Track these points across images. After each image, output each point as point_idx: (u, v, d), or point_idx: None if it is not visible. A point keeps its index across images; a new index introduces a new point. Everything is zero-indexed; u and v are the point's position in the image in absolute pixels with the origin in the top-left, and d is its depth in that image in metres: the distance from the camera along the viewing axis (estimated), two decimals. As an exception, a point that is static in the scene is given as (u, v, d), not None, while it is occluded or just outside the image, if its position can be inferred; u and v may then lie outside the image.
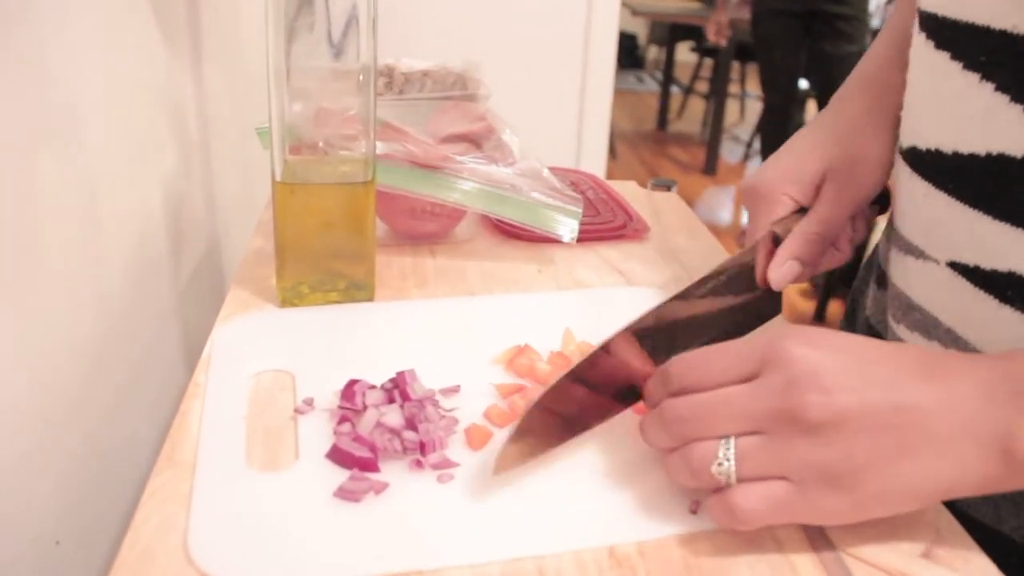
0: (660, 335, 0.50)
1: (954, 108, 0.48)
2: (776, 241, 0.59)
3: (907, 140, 0.54)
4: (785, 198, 0.60)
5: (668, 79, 5.30)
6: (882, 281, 0.62)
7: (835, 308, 2.81)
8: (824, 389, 0.39)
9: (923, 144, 0.51)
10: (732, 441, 0.41)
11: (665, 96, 5.28)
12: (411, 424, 0.49)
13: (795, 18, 3.16)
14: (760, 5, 3.29)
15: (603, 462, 0.48)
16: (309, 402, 0.52)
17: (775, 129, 3.46)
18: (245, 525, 0.42)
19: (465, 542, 0.42)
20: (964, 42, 0.47)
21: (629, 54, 6.41)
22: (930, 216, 0.51)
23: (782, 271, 0.58)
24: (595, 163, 2.06)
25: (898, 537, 0.43)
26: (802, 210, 0.61)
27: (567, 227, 0.73)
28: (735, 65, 4.80)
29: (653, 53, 6.73)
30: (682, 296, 0.52)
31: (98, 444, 0.60)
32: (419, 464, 0.47)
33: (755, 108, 4.06)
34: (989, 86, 0.45)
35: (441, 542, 0.42)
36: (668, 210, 0.89)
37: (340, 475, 0.46)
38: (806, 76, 3.38)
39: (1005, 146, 0.45)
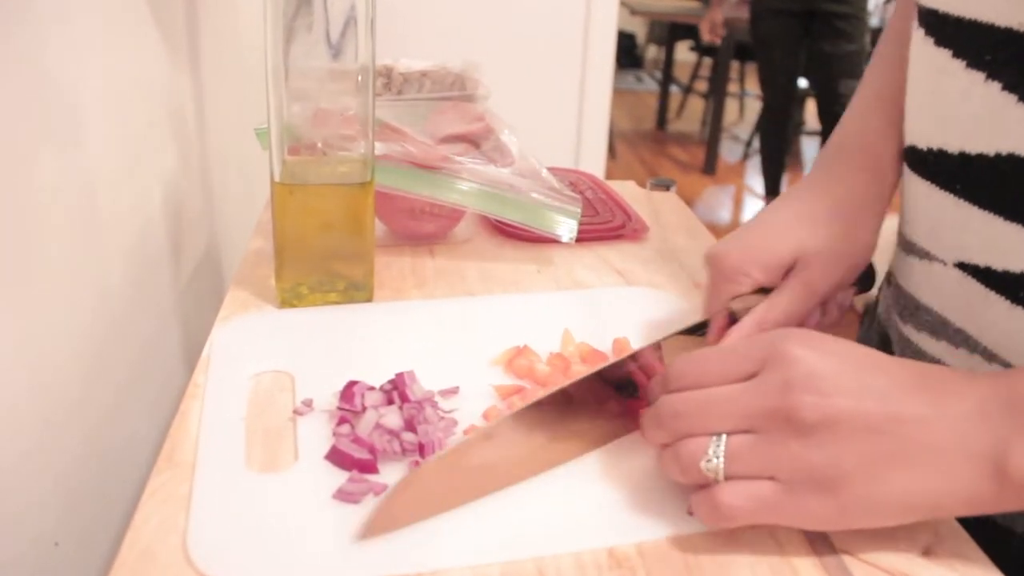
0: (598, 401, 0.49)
1: (958, 108, 0.48)
2: (733, 319, 0.55)
3: (907, 140, 0.53)
4: (746, 279, 0.55)
5: (667, 78, 5.30)
6: (891, 278, 0.62)
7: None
8: (820, 391, 0.39)
9: (924, 144, 0.51)
10: (723, 438, 0.41)
11: (664, 95, 5.28)
12: (410, 425, 0.49)
13: (794, 17, 3.16)
14: (758, 4, 3.29)
15: (603, 463, 0.48)
16: (308, 403, 0.52)
17: (774, 128, 3.46)
18: (244, 526, 0.42)
19: (465, 542, 0.42)
20: (966, 40, 0.46)
21: (628, 53, 6.41)
22: (935, 217, 0.50)
23: None
24: (594, 163, 2.06)
25: (898, 537, 0.43)
26: (764, 289, 0.56)
27: (566, 227, 0.73)
28: (734, 64, 4.80)
29: (652, 52, 6.73)
30: (630, 357, 0.50)
31: (98, 444, 0.60)
32: (418, 465, 0.47)
33: (754, 107, 4.07)
34: (995, 85, 0.45)
35: (441, 543, 0.42)
36: (667, 210, 0.89)
37: (339, 476, 0.46)
38: (805, 75, 3.38)
39: (1015, 146, 0.45)
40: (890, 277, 0.62)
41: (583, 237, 0.77)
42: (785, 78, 3.37)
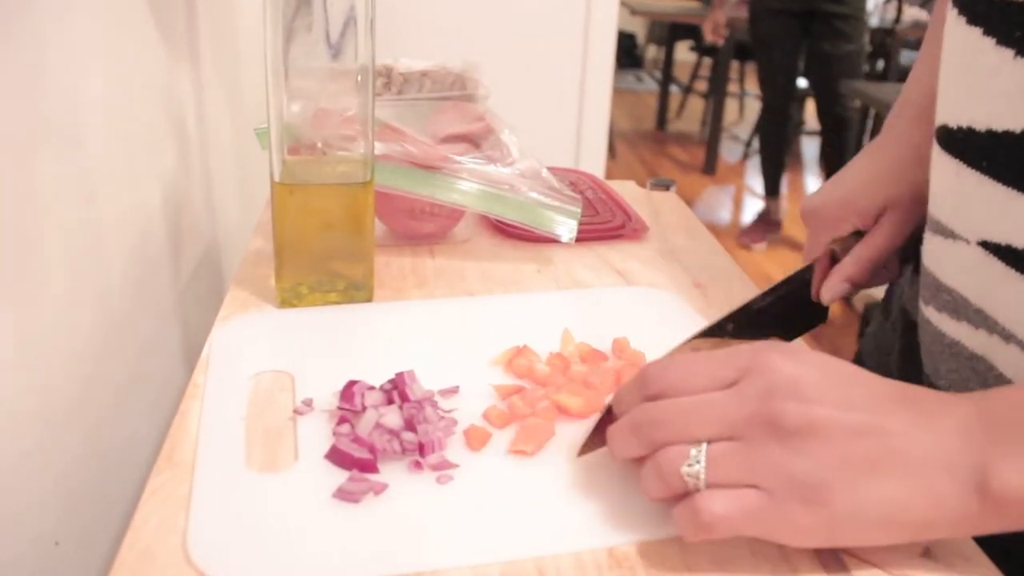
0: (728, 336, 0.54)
1: (987, 85, 0.48)
2: (834, 259, 0.63)
3: (938, 119, 0.53)
4: (846, 225, 0.64)
5: (667, 78, 5.30)
6: (918, 267, 0.63)
7: (835, 308, 2.80)
8: (802, 398, 0.39)
9: (954, 122, 0.51)
10: (704, 445, 0.40)
11: (664, 95, 5.28)
12: (410, 425, 0.49)
13: (793, 17, 3.16)
14: (758, 4, 3.29)
15: (603, 463, 0.48)
16: (308, 403, 0.52)
17: (774, 128, 3.46)
18: (244, 525, 0.42)
19: (465, 543, 0.42)
20: (998, 17, 0.47)
21: (628, 53, 6.41)
22: (961, 195, 0.51)
23: (835, 289, 0.62)
24: (594, 163, 2.06)
25: (897, 537, 0.43)
26: (858, 232, 0.64)
27: (566, 227, 0.73)
28: (734, 64, 4.80)
29: (652, 52, 6.73)
30: (748, 304, 0.56)
31: (98, 444, 0.60)
32: (418, 465, 0.47)
33: (754, 107, 4.07)
34: None
35: (440, 543, 0.42)
36: (667, 210, 0.89)
37: (339, 476, 0.46)
38: (805, 75, 3.38)
39: None
40: (916, 265, 0.63)
41: (583, 237, 0.77)
42: (784, 78, 3.37)
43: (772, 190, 3.52)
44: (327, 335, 0.60)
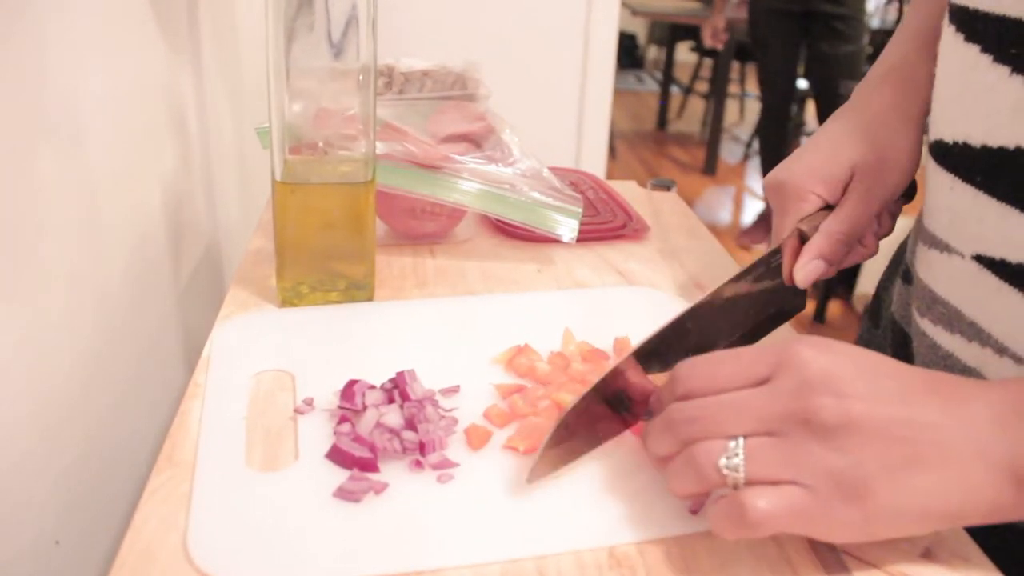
0: (691, 335, 0.51)
1: (984, 101, 0.48)
2: (803, 239, 0.59)
3: (934, 133, 0.54)
4: (812, 196, 0.59)
5: (668, 79, 5.30)
6: (907, 277, 0.62)
7: (834, 308, 2.81)
8: (838, 393, 0.38)
9: (950, 137, 0.51)
10: (741, 440, 0.40)
11: (665, 96, 5.28)
12: (411, 424, 0.49)
13: (792, 18, 3.16)
14: (757, 5, 3.29)
15: (603, 462, 0.48)
16: (309, 402, 0.52)
17: (774, 129, 3.46)
18: (245, 525, 0.42)
19: (465, 542, 0.42)
20: (995, 35, 0.47)
21: (629, 54, 6.41)
22: (956, 209, 0.51)
23: (808, 269, 0.58)
24: (595, 163, 2.06)
25: (898, 537, 0.43)
26: (828, 207, 0.60)
27: (567, 227, 0.73)
28: (735, 65, 4.80)
29: (653, 53, 6.73)
30: (714, 295, 0.53)
31: (98, 444, 0.60)
32: (419, 464, 0.47)
33: (755, 108, 4.07)
34: (1020, 79, 0.45)
35: (441, 542, 0.42)
36: (668, 210, 0.89)
37: (340, 475, 0.46)
38: (805, 76, 3.38)
39: None
40: (906, 274, 0.62)
41: (584, 237, 0.77)
42: (784, 79, 3.37)
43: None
44: (328, 334, 0.60)
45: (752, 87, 4.70)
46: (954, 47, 0.51)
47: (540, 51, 1.96)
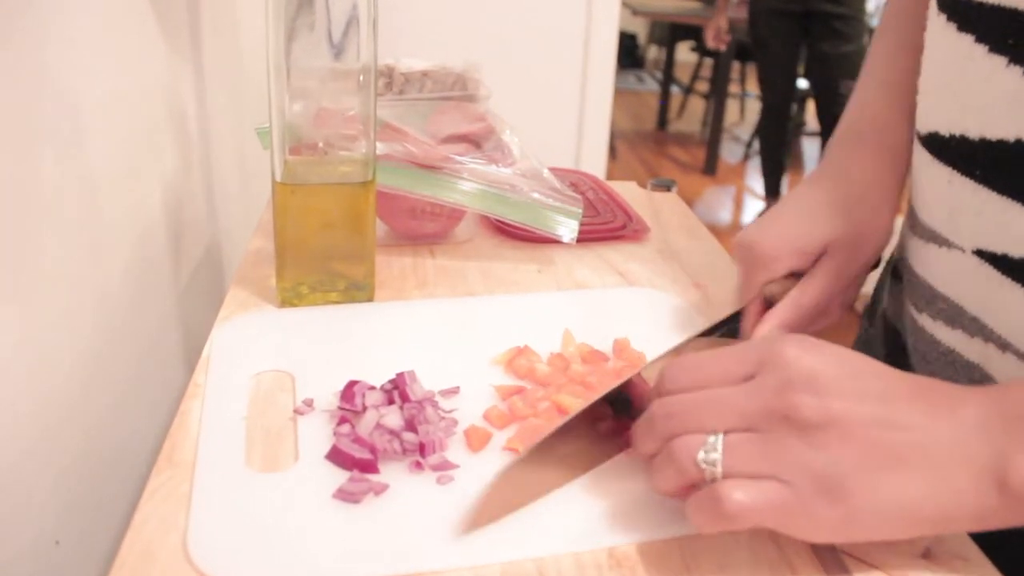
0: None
1: (979, 93, 0.48)
2: (768, 303, 0.59)
3: (926, 126, 0.53)
4: (782, 264, 0.59)
5: (668, 79, 5.30)
6: (896, 274, 0.62)
7: (835, 308, 2.80)
8: (819, 391, 0.38)
9: (945, 130, 0.50)
10: (721, 435, 0.40)
11: (665, 96, 5.28)
12: (411, 425, 0.49)
13: (792, 18, 3.16)
14: (757, 5, 3.29)
15: (603, 464, 0.48)
16: (309, 403, 0.52)
17: (774, 129, 3.46)
18: (245, 525, 0.42)
19: (465, 543, 0.42)
20: (989, 24, 0.46)
21: (629, 54, 6.40)
22: (955, 203, 0.50)
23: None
24: (595, 163, 2.06)
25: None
26: (795, 273, 0.59)
27: (567, 227, 0.73)
28: (735, 65, 4.80)
29: (653, 53, 6.73)
30: (677, 350, 0.52)
31: (98, 444, 0.60)
32: (419, 465, 0.47)
33: (755, 108, 4.06)
34: (1017, 70, 0.45)
35: (441, 543, 0.42)
36: (668, 210, 0.89)
37: (340, 476, 0.46)
38: (805, 76, 3.38)
39: None
40: (896, 271, 0.62)
41: (584, 237, 0.77)
42: (784, 79, 3.37)
43: (773, 191, 3.51)
44: (328, 335, 0.60)
45: (752, 87, 4.70)
46: (944, 37, 0.50)
47: (540, 51, 1.96)
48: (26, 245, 0.50)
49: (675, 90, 5.41)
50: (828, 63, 3.09)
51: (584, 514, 0.44)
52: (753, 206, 3.93)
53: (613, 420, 0.48)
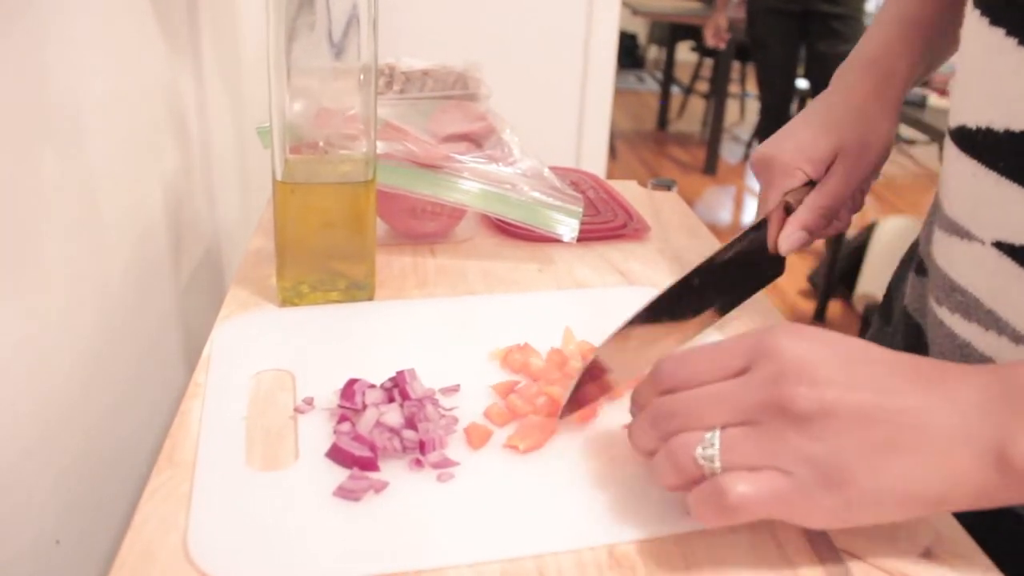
0: (694, 293, 0.58)
1: (1008, 85, 0.48)
2: (788, 210, 0.65)
3: (956, 119, 0.53)
4: (799, 172, 0.66)
5: (668, 79, 5.30)
6: (921, 269, 0.62)
7: (835, 308, 2.81)
8: (813, 381, 0.38)
9: (973, 123, 0.51)
10: (718, 430, 0.40)
11: (665, 96, 5.28)
12: (411, 423, 0.49)
13: (790, 17, 3.16)
14: (755, 5, 3.29)
15: (603, 463, 0.48)
16: (309, 401, 0.52)
17: (774, 129, 3.44)
18: (245, 525, 0.42)
19: (465, 541, 0.42)
20: (1020, 18, 0.47)
21: (629, 54, 6.40)
22: (978, 195, 0.51)
23: (792, 239, 0.65)
24: (595, 163, 2.06)
25: (898, 537, 0.43)
26: (810, 183, 0.66)
27: (567, 227, 0.73)
28: (735, 65, 4.80)
29: (653, 53, 6.73)
30: (710, 259, 0.59)
31: (98, 444, 0.60)
32: (419, 463, 0.47)
33: (755, 108, 4.06)
34: None
35: (441, 541, 0.42)
36: (668, 210, 0.89)
37: (340, 474, 0.46)
38: (805, 76, 3.37)
39: None
40: (920, 266, 0.63)
41: (584, 236, 0.77)
42: (783, 79, 3.37)
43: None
44: (328, 334, 0.60)
45: (752, 87, 4.70)
46: (978, 32, 0.51)
47: (540, 51, 1.96)
48: (26, 245, 0.50)
49: (675, 90, 5.41)
50: (827, 63, 3.08)
51: (584, 512, 0.44)
52: (753, 206, 3.93)
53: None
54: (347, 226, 0.63)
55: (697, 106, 5.46)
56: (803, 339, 0.40)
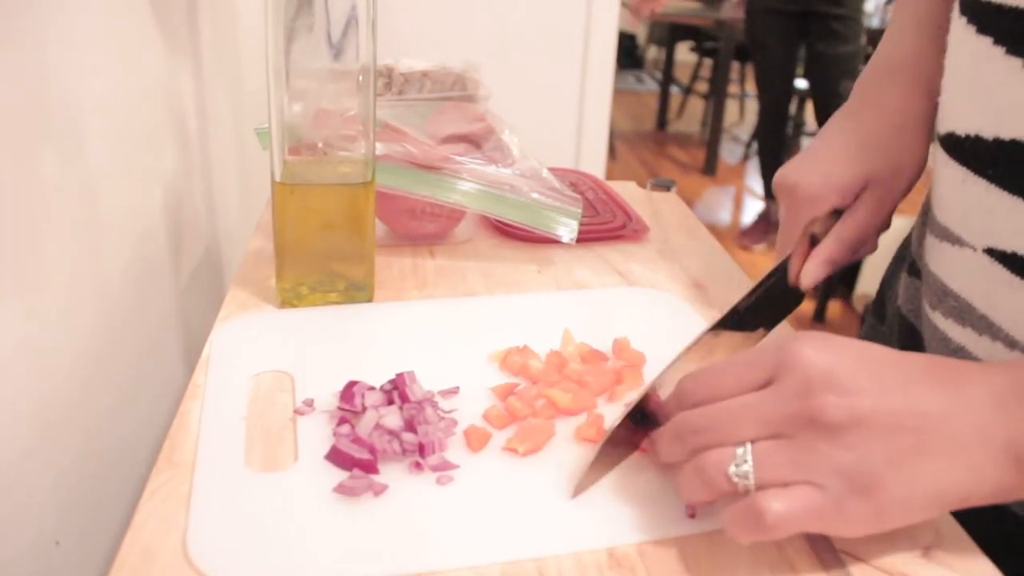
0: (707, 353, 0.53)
1: (996, 94, 0.48)
2: (813, 241, 0.61)
3: (945, 126, 0.54)
4: (825, 202, 0.61)
5: (668, 79, 5.30)
6: (914, 270, 0.62)
7: (835, 308, 2.81)
8: (842, 390, 0.38)
9: (962, 130, 0.51)
10: (749, 445, 0.40)
11: (664, 96, 5.28)
12: (410, 426, 0.49)
13: (789, 18, 3.16)
14: (754, 5, 3.29)
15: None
16: (309, 403, 0.52)
17: (772, 129, 3.45)
18: (244, 525, 0.42)
19: (465, 543, 0.42)
20: (1007, 27, 0.47)
21: (629, 54, 6.40)
22: (968, 202, 0.51)
23: (815, 273, 0.60)
24: (594, 163, 2.06)
25: (898, 537, 0.43)
26: (836, 211, 0.62)
27: (567, 227, 0.73)
28: (735, 65, 4.80)
29: (652, 53, 6.72)
30: (736, 307, 0.55)
31: (98, 444, 0.60)
32: (418, 466, 0.47)
33: (755, 108, 4.06)
34: None
35: (441, 543, 0.42)
36: (667, 210, 0.89)
37: (339, 476, 0.46)
38: (804, 76, 3.37)
39: None
40: (912, 267, 0.63)
41: (583, 237, 0.77)
42: (782, 79, 3.37)
43: (772, 191, 3.50)
44: (327, 335, 0.60)
45: (752, 87, 4.70)
46: (965, 39, 0.51)
47: (540, 51, 1.96)
48: (26, 245, 0.50)
49: (675, 90, 5.41)
50: (826, 63, 3.09)
51: (584, 514, 0.44)
52: (753, 206, 3.93)
53: (626, 428, 0.48)
54: (346, 227, 0.63)
55: (696, 106, 5.46)
56: (826, 348, 0.40)
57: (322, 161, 0.62)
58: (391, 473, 0.46)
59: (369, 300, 0.66)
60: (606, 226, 0.81)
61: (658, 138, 5.10)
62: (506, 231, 0.79)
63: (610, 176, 2.09)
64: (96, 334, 0.60)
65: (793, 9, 3.12)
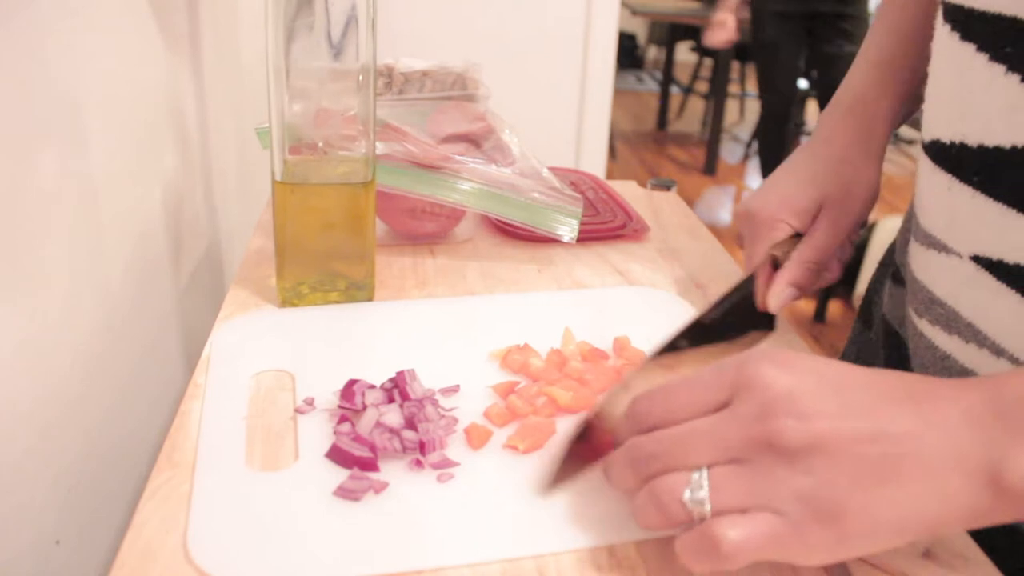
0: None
1: (979, 101, 0.48)
2: (775, 265, 0.62)
3: (929, 133, 0.53)
4: (784, 225, 0.63)
5: (668, 79, 5.30)
6: (898, 278, 0.62)
7: (835, 308, 2.81)
8: (800, 414, 0.36)
9: (946, 137, 0.51)
10: (704, 470, 0.38)
11: (665, 96, 5.28)
12: (411, 424, 0.49)
13: (796, 20, 3.16)
14: (760, 8, 3.28)
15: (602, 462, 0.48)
16: (309, 402, 0.52)
17: (774, 130, 3.45)
18: (245, 525, 0.42)
19: (465, 541, 0.42)
20: (990, 33, 0.47)
21: (629, 54, 6.41)
22: (954, 209, 0.50)
23: (782, 297, 0.61)
24: (595, 163, 2.06)
25: (898, 537, 0.43)
26: (796, 235, 0.64)
27: (567, 227, 0.73)
28: (735, 65, 4.80)
29: (653, 53, 6.73)
30: (698, 319, 0.54)
31: (98, 444, 0.60)
32: (419, 464, 0.47)
33: (755, 108, 4.07)
34: (1015, 78, 0.45)
35: (441, 541, 0.42)
36: (668, 210, 0.89)
37: (340, 475, 0.46)
38: (806, 76, 3.37)
39: None
40: (896, 275, 0.63)
41: (584, 237, 0.77)
42: (788, 82, 3.37)
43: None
44: (328, 334, 0.60)
45: (752, 87, 4.70)
46: (948, 46, 0.51)
47: (540, 51, 1.96)
48: (26, 245, 0.50)
49: (675, 90, 5.41)
50: (831, 64, 3.09)
51: (584, 512, 0.44)
52: (753, 206, 3.92)
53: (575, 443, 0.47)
54: (347, 227, 0.63)
55: (697, 106, 5.46)
56: (786, 368, 0.38)
57: (322, 161, 0.62)
58: (392, 471, 0.46)
59: (370, 299, 0.66)
60: (606, 226, 0.81)
61: (658, 138, 5.10)
62: (506, 230, 0.79)
63: (610, 176, 2.10)
64: (96, 334, 0.60)
65: (800, 11, 3.12)
